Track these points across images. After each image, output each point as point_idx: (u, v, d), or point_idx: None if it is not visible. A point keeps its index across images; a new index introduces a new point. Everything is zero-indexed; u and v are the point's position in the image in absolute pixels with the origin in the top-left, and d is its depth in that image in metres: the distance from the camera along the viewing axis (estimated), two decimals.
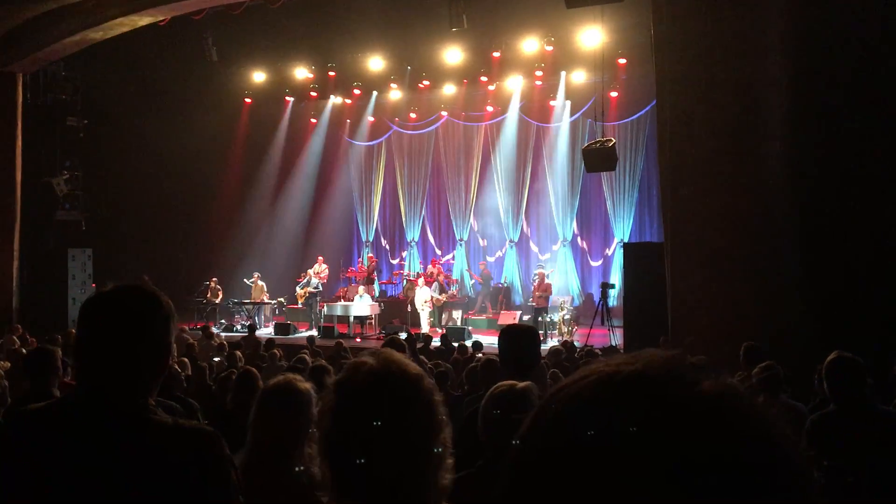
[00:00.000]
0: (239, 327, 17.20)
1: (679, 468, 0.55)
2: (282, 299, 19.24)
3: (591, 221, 18.94)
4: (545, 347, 10.26)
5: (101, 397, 1.65)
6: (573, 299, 17.66)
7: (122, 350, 1.67)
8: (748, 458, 0.56)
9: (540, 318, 15.43)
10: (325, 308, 17.30)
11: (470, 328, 16.25)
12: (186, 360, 7.52)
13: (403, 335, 11.54)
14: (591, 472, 0.57)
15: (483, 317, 17.91)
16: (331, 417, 1.41)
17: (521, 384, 2.60)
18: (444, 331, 15.40)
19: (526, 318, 16.12)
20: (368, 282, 18.41)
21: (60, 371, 4.05)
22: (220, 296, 18.72)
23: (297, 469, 2.34)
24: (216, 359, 9.12)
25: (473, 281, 19.15)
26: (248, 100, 20.73)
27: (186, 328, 14.59)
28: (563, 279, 18.54)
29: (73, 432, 1.62)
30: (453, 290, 18.70)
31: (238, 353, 9.24)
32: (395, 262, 20.96)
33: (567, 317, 15.90)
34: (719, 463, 0.55)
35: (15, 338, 11.59)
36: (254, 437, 2.46)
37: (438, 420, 1.43)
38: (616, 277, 16.78)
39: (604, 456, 0.57)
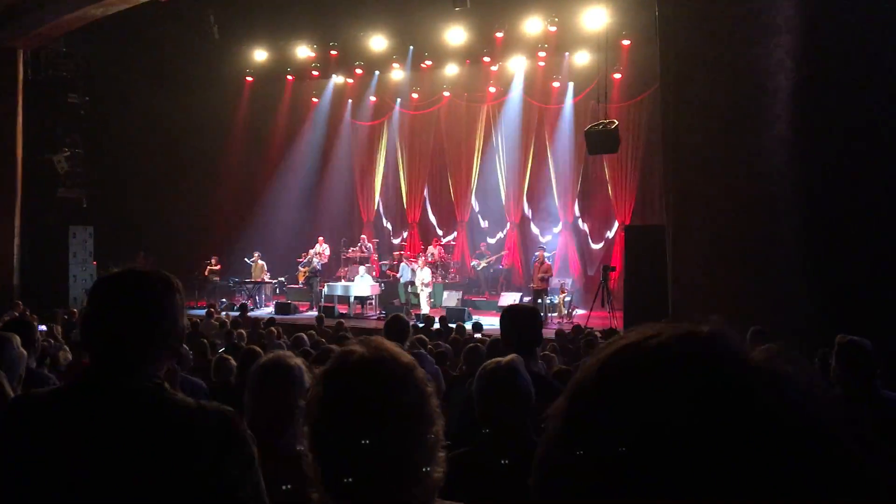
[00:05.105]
0: (238, 307, 17.21)
1: (740, 443, 0.56)
2: (282, 279, 19.26)
3: (593, 204, 18.89)
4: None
5: (119, 378, 1.66)
6: (573, 281, 17.65)
7: (138, 331, 1.68)
8: (801, 424, 0.58)
9: (540, 300, 15.43)
10: (326, 288, 17.31)
11: (469, 309, 16.27)
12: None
13: (412, 322, 11.52)
14: (640, 451, 0.57)
15: (482, 297, 17.95)
16: (318, 408, 1.36)
17: (506, 358, 2.60)
18: (444, 312, 15.43)
19: (526, 299, 16.13)
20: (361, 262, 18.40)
21: (38, 345, 3.98)
22: (220, 274, 18.72)
23: (297, 449, 2.33)
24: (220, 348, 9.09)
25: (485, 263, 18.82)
26: (249, 78, 20.64)
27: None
28: (564, 261, 18.52)
29: (93, 415, 1.61)
30: (451, 267, 18.73)
31: (240, 331, 9.25)
32: (396, 241, 20.93)
33: (567, 299, 15.90)
34: (777, 433, 0.56)
35: (16, 314, 11.58)
36: (250, 414, 2.47)
37: (431, 410, 1.38)
38: (617, 260, 16.75)
39: (658, 432, 0.57)
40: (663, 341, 0.62)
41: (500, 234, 19.88)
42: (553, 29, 16.86)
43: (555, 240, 18.92)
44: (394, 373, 1.36)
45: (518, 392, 2.49)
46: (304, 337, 8.01)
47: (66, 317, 11.70)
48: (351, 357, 1.38)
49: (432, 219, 20.87)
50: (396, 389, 1.34)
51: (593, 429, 0.60)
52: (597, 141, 12.24)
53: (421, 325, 11.77)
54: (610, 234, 18.43)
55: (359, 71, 19.86)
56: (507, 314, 3.70)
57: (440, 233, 20.33)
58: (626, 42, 16.18)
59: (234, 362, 5.49)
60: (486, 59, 18.50)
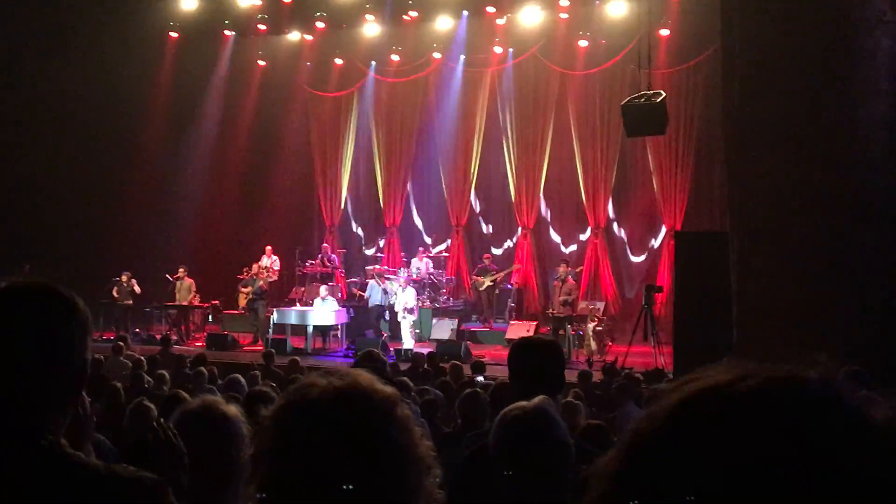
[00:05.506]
0: (159, 340, 17.18)
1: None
2: (217, 302, 19.21)
3: (633, 202, 18.93)
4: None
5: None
6: (606, 306, 17.67)
7: (24, 369, 1.62)
8: None
9: (562, 331, 15.45)
10: (275, 314, 17.27)
11: (467, 343, 16.26)
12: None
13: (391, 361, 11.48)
14: None
15: (485, 328, 17.97)
16: (272, 461, 1.35)
17: (532, 402, 2.59)
18: (434, 346, 15.41)
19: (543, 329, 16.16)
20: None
21: None
22: (134, 296, 18.64)
23: None
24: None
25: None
26: (174, 34, 20.61)
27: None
28: (594, 279, 18.55)
29: None
30: (443, 287, 18.74)
31: (160, 373, 9.23)
32: (370, 252, 20.91)
33: (599, 328, 15.93)
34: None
35: None
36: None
37: (423, 455, 1.39)
38: (665, 278, 16.80)
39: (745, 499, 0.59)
40: (758, 386, 0.64)
41: (509, 243, 19.91)
42: None
43: (582, 250, 18.96)
44: (373, 407, 1.36)
45: (556, 445, 2.46)
46: (242, 380, 7.80)
47: None
48: (312, 390, 1.37)
49: (418, 222, 20.89)
50: (380, 427, 1.34)
51: (660, 491, 0.62)
52: (638, 119, 12.30)
53: (403, 364, 11.78)
54: (655, 243, 18.48)
55: (320, 25, 19.90)
56: (519, 350, 3.72)
57: (428, 241, 20.32)
58: None
59: (155, 412, 5.50)
60: (491, 9, 18.57)
